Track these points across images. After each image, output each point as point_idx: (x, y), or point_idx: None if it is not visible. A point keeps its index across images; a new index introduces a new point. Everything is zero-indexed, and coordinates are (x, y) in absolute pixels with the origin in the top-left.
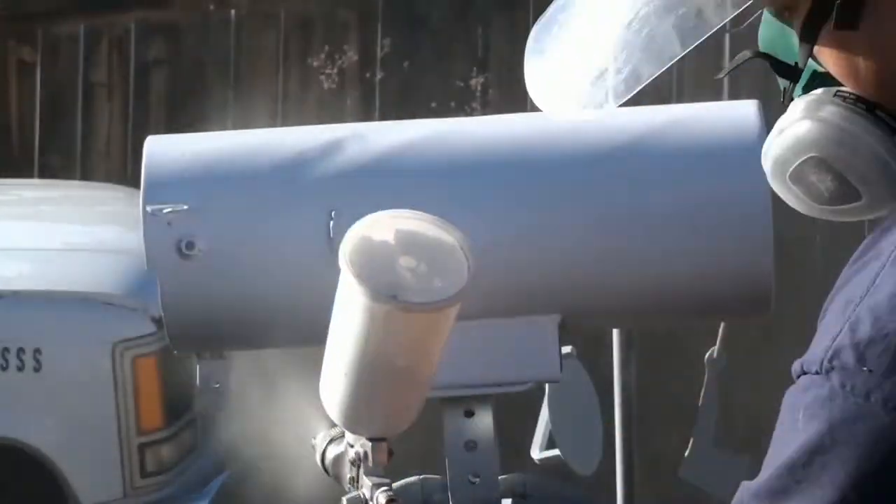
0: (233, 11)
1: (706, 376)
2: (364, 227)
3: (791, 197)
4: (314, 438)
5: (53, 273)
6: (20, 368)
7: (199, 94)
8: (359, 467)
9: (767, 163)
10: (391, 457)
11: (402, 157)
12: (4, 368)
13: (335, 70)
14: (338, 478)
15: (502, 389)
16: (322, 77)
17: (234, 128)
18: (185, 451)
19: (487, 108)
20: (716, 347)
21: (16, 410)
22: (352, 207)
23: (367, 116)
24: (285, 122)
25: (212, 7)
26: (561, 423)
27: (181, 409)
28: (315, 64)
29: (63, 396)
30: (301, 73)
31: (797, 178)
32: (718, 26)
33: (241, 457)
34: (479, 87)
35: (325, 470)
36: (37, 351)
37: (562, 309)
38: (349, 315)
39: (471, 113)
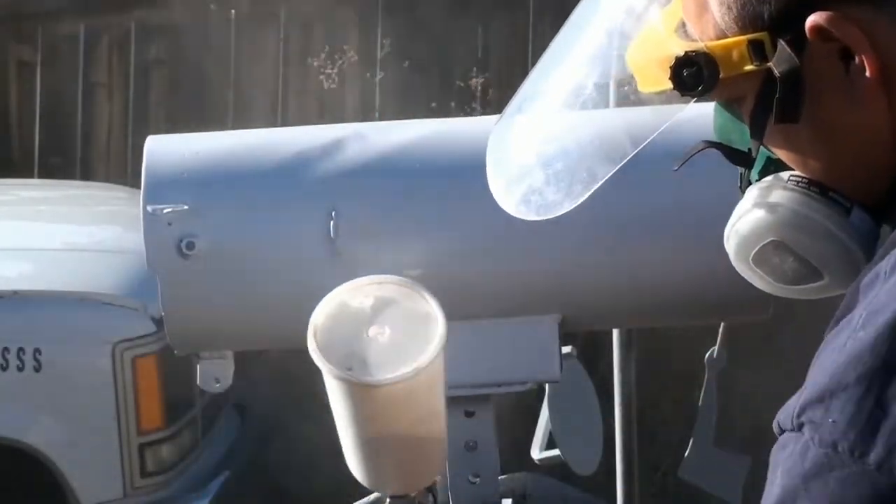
0: (233, 11)
1: (706, 376)
2: (343, 292)
3: (756, 278)
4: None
5: (53, 273)
6: (20, 368)
7: (199, 94)
8: None
9: (730, 248)
10: None
11: (402, 157)
12: (4, 368)
13: (335, 70)
14: None
15: (502, 389)
16: (322, 77)
17: (234, 128)
18: (185, 451)
19: (487, 108)
20: (716, 347)
21: (16, 410)
22: (352, 207)
23: (367, 116)
24: (285, 122)
25: (212, 7)
26: (561, 423)
27: (181, 409)
28: (315, 64)
29: (63, 396)
30: (301, 73)
31: (760, 260)
32: (667, 123)
33: (241, 457)
34: (479, 87)
35: None
36: (37, 351)
37: (562, 309)
38: (329, 385)
39: (471, 113)
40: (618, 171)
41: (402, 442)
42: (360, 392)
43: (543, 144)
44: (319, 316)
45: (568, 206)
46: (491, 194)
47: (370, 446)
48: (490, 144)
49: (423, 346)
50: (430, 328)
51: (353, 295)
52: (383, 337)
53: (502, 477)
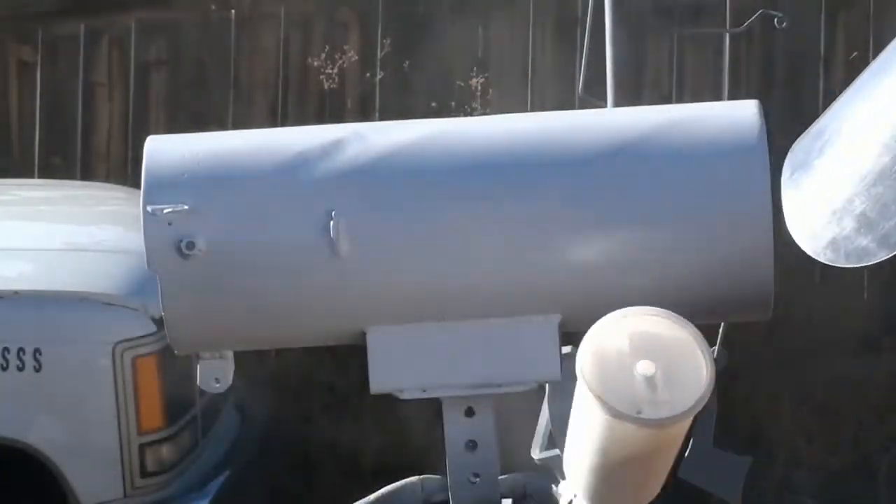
0: (233, 11)
1: None
2: (596, 333)
3: None
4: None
5: (53, 273)
6: (20, 368)
7: (199, 94)
8: None
9: None
10: None
11: (402, 157)
12: (4, 368)
13: (335, 70)
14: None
15: (502, 389)
16: (322, 77)
17: (234, 128)
18: (185, 451)
19: (487, 108)
20: (716, 347)
21: (16, 410)
22: (352, 207)
23: (367, 116)
24: (285, 122)
25: (212, 7)
26: (561, 423)
27: (181, 409)
28: (315, 64)
29: (63, 396)
30: (301, 73)
31: None
32: None
33: (242, 456)
34: (479, 87)
35: None
36: (37, 351)
37: (562, 309)
38: (588, 424)
39: (471, 113)
40: (617, 171)
41: (646, 470)
42: (637, 431)
43: (854, 189)
44: (586, 366)
45: (883, 255)
46: (490, 194)
47: (614, 477)
48: (786, 185)
49: (695, 373)
50: (692, 352)
51: (606, 337)
52: (654, 374)
53: (502, 477)
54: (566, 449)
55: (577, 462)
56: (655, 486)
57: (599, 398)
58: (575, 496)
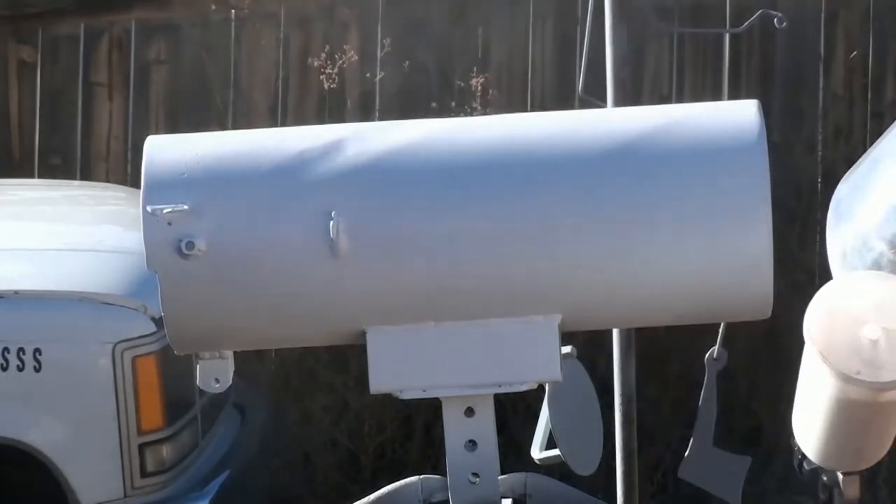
0: (233, 11)
1: (706, 376)
2: (832, 290)
3: None
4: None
5: (53, 273)
6: (20, 368)
7: (199, 94)
8: (831, 493)
9: None
10: (863, 488)
11: (402, 157)
12: (4, 368)
13: (335, 70)
14: (810, 484)
15: (503, 389)
16: (322, 77)
17: (234, 128)
18: (185, 451)
19: (487, 108)
20: (716, 347)
21: (16, 410)
22: (351, 207)
23: (367, 116)
24: (285, 122)
25: (212, 7)
26: (561, 423)
27: (181, 409)
28: (315, 64)
29: (63, 396)
30: (301, 73)
31: None
32: None
33: (242, 456)
34: (479, 87)
35: (799, 470)
36: (37, 351)
37: (562, 309)
38: (817, 377)
39: (471, 113)
40: (617, 171)
41: (875, 427)
42: (866, 393)
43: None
44: (813, 322)
45: None
46: (489, 194)
47: (844, 431)
48: (831, 235)
49: None
50: None
51: (841, 292)
52: (880, 338)
53: (502, 477)
54: (796, 405)
55: (805, 419)
56: (880, 449)
57: (823, 355)
58: (803, 455)
